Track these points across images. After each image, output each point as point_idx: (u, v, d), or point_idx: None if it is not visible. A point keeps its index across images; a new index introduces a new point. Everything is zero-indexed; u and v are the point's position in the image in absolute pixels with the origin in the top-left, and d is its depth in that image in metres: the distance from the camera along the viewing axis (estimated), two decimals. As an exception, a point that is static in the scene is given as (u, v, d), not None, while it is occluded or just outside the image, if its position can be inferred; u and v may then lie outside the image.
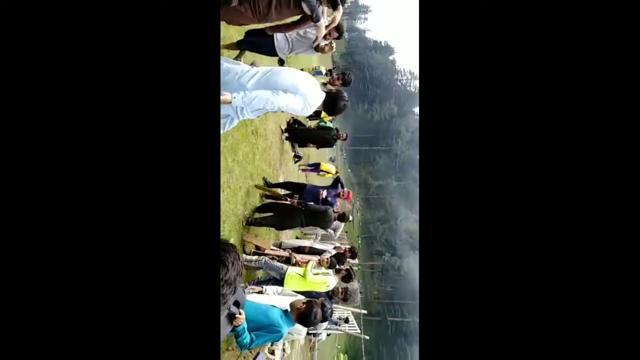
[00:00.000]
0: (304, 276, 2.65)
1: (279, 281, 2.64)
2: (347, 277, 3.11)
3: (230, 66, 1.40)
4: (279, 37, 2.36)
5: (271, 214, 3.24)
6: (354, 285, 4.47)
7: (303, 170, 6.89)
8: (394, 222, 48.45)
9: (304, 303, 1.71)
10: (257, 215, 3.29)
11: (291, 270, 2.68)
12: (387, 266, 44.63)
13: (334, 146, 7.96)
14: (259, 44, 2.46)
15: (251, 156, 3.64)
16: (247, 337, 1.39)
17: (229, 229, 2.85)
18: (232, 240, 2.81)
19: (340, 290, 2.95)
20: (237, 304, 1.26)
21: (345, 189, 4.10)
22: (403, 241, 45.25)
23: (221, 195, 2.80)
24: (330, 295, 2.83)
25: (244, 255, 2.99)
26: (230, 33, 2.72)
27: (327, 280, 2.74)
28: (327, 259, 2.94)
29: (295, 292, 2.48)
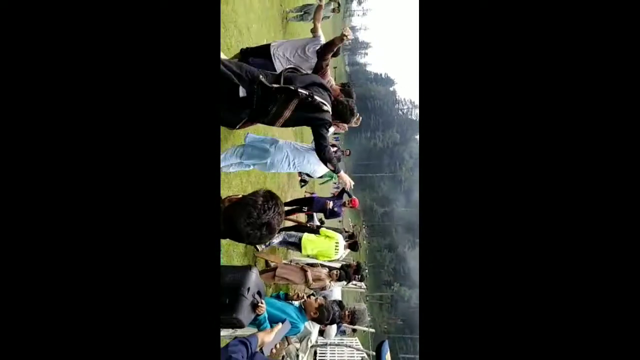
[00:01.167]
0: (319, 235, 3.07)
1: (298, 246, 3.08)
2: (353, 244, 3.58)
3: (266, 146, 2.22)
4: (281, 60, 2.49)
5: None
6: (362, 305, 4.49)
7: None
8: (401, 249, 47.33)
9: (317, 309, 1.90)
10: None
11: (307, 235, 3.09)
12: (397, 297, 42.78)
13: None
14: (258, 65, 2.69)
15: (262, 179, 3.94)
16: (267, 325, 1.56)
17: (244, 247, 3.05)
18: (245, 260, 3.00)
19: (347, 314, 3.05)
20: (259, 294, 1.46)
21: (353, 197, 4.36)
22: (412, 270, 43.79)
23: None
24: (338, 321, 2.94)
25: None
26: (232, 52, 2.95)
27: (336, 236, 3.15)
28: (336, 272, 3.10)
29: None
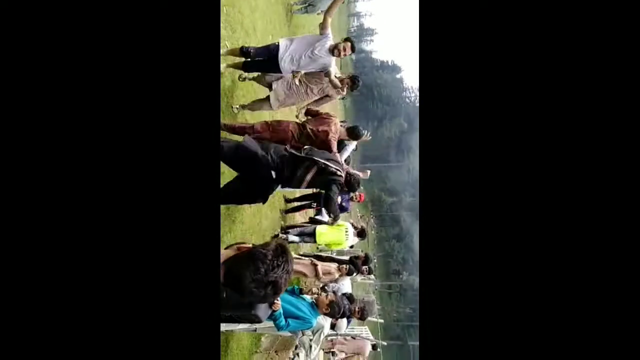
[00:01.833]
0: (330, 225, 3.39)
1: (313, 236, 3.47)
2: (361, 232, 3.99)
3: None
4: (286, 60, 2.42)
5: None
6: (370, 297, 4.60)
7: None
8: (409, 239, 47.33)
9: (328, 305, 2.01)
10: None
11: (319, 226, 3.46)
12: (406, 286, 43.10)
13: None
14: (265, 67, 2.58)
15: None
16: (282, 321, 1.67)
17: (257, 241, 3.17)
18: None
19: (357, 309, 3.18)
20: (275, 291, 1.56)
21: (357, 192, 4.50)
22: (421, 259, 43.80)
23: (248, 211, 3.15)
24: (348, 315, 3.06)
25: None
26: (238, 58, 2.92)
27: (345, 224, 3.60)
28: (345, 266, 3.20)
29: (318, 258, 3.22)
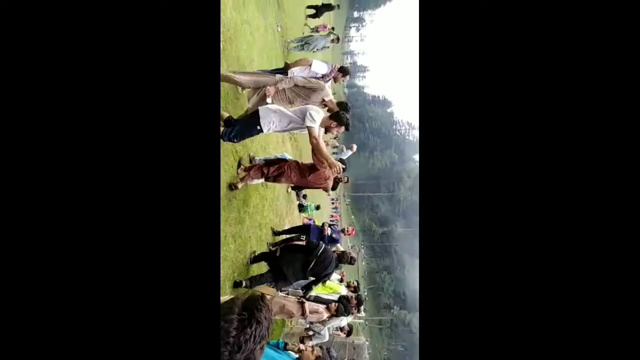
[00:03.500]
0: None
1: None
2: (355, 289, 4.18)
3: None
4: (271, 127, 2.39)
5: None
6: (360, 340, 4.33)
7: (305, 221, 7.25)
8: (401, 271, 46.43)
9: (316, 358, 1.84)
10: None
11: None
12: (397, 321, 41.46)
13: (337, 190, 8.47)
14: (246, 132, 2.51)
15: (260, 207, 3.90)
16: (262, 380, 1.48)
17: (241, 275, 2.98)
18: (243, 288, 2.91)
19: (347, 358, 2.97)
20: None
21: (347, 227, 4.56)
22: (412, 292, 42.75)
23: (232, 246, 2.99)
24: None
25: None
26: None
27: (339, 289, 3.80)
28: (334, 305, 3.01)
29: None
